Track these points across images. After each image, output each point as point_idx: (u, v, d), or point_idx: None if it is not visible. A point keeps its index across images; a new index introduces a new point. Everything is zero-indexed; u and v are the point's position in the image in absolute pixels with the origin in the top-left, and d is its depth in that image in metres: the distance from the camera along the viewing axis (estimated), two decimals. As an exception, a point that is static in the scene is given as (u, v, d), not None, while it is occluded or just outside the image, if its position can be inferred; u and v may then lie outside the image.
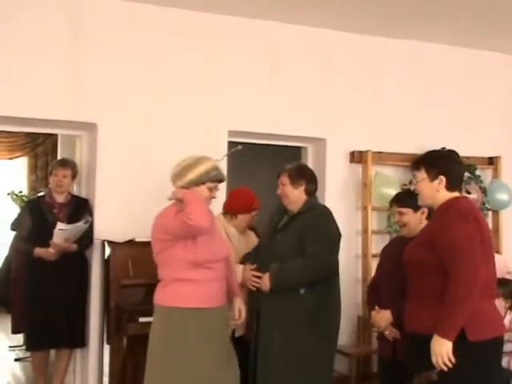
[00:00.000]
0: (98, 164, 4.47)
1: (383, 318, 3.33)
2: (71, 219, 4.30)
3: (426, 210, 3.41)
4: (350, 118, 5.24)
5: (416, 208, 3.37)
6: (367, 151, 5.19)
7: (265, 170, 5.76)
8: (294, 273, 3.37)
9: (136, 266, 4.01)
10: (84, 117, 4.44)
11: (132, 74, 4.54)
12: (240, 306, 3.31)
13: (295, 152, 5.41)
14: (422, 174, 2.84)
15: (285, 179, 3.60)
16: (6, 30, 4.23)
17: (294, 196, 3.58)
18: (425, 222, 3.39)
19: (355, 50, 5.28)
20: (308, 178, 3.63)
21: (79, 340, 4.39)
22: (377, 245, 4.93)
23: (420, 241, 2.81)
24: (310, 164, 5.12)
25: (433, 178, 2.81)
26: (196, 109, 4.73)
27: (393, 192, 4.19)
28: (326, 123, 5.17)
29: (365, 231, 5.14)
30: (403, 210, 3.45)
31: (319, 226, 3.45)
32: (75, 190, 4.72)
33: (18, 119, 4.35)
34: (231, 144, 4.59)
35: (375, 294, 3.25)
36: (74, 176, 4.51)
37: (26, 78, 4.27)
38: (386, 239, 4.72)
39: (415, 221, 3.41)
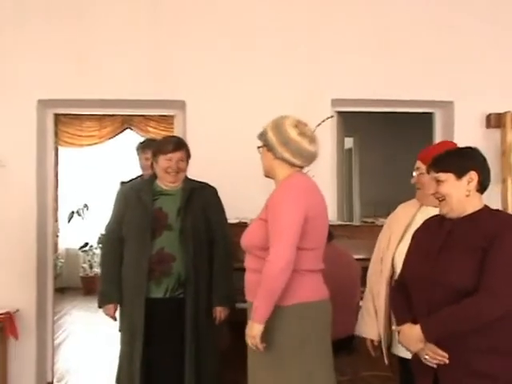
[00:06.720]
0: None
1: (415, 335, 2.07)
2: None
3: None
4: (485, 75, 4.16)
5: None
6: (506, 113, 4.14)
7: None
8: None
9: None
10: (173, 95, 4.21)
11: (218, 50, 4.20)
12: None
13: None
14: None
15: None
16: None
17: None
18: None
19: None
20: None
21: None
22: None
23: None
24: (439, 132, 4.43)
25: None
26: (295, 78, 4.24)
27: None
28: (454, 83, 4.21)
29: (504, 209, 3.97)
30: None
31: None
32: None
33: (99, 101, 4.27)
34: (339, 115, 4.49)
35: (403, 296, 2.19)
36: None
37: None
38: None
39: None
